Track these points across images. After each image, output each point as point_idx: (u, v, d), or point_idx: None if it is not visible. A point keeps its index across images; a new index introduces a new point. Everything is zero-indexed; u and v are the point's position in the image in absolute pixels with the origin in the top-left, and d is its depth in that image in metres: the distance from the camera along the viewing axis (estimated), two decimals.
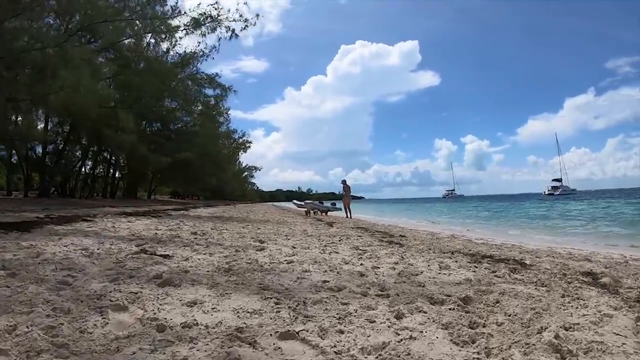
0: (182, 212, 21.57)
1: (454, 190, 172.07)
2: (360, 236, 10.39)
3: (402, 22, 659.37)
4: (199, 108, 39.93)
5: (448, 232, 14.91)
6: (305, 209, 24.97)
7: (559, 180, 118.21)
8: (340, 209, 26.14)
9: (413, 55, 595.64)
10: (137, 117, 41.28)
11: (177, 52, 32.81)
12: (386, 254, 7.00)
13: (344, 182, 26.86)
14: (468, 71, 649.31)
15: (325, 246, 7.93)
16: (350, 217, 24.46)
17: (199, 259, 5.77)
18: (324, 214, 24.49)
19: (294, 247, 7.53)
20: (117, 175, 48.70)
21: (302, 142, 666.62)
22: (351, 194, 26.92)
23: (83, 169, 42.90)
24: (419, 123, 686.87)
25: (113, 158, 44.06)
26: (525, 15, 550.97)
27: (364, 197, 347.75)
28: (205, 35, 26.54)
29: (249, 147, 73.69)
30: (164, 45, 35.03)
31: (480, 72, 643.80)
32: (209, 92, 38.46)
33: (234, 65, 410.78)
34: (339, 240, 9.20)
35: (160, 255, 5.85)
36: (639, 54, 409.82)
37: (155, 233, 8.97)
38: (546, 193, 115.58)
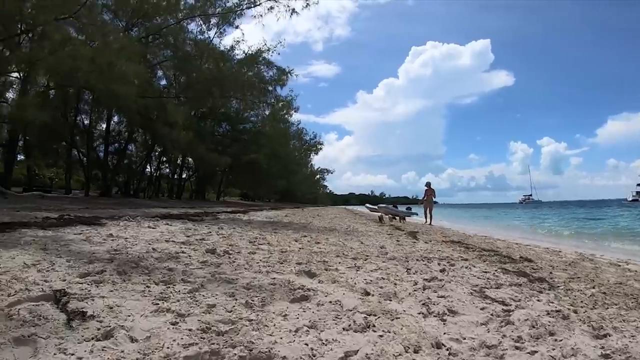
0: (236, 215, 18.67)
1: (531, 195, 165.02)
2: (465, 259, 6.73)
3: (473, 21, 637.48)
4: (267, 102, 38.69)
5: (569, 250, 10.86)
6: (379, 214, 21.51)
7: None
8: (417, 214, 22.78)
9: (485, 54, 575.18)
10: (201, 118, 41.58)
11: (242, 50, 31.83)
12: (547, 312, 3.50)
13: (428, 184, 23.93)
14: (543, 70, 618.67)
15: (423, 288, 4.35)
16: (431, 224, 21.58)
17: (124, 337, 2.48)
18: (402, 220, 20.99)
19: (367, 294, 3.95)
20: (183, 176, 46.92)
21: (375, 145, 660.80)
22: (432, 197, 23.56)
23: (149, 169, 41.58)
24: (493, 125, 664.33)
25: (179, 159, 42.56)
26: (600, 11, 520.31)
27: (437, 202, 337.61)
28: (262, 16, 24.63)
29: (321, 149, 71.85)
30: (228, 41, 33.96)
31: (556, 70, 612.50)
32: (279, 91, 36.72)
33: (305, 70, 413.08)
34: (442, 271, 5.49)
35: (74, 312, 2.70)
36: None
37: (154, 248, 5.79)
38: (630, 199, 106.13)
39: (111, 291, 3.41)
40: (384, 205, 41.04)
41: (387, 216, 22.19)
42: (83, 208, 14.92)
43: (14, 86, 22.95)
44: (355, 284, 4.34)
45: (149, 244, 6.32)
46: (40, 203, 15.60)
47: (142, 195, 38.81)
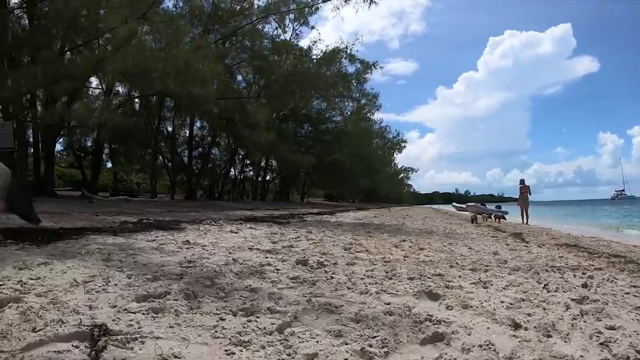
0: (323, 217, 17.82)
1: (623, 190, 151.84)
2: (599, 268, 5.41)
3: (551, 6, 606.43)
4: (352, 97, 38.32)
5: None
6: (471, 215, 19.91)
7: None
8: (507, 213, 21.19)
9: (567, 40, 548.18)
10: (282, 120, 41.78)
11: (320, 50, 30.93)
12: None
13: (522, 181, 22.21)
14: (629, 53, 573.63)
15: (581, 314, 3.16)
16: (527, 223, 19.89)
17: None
18: (497, 220, 19.36)
19: (517, 326, 2.82)
20: (267, 178, 46.99)
21: (458, 142, 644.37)
22: (527, 194, 21.76)
23: (233, 172, 41.97)
24: (580, 116, 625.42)
25: (262, 161, 42.62)
26: None
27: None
28: (338, 8, 23.52)
29: (404, 147, 70.21)
30: (305, 43, 33.50)
31: None
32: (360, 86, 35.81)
33: (383, 68, 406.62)
34: (585, 286, 4.21)
35: None
36: None
37: (235, 258, 4.88)
38: None
39: (171, 327, 2.48)
40: (472, 203, 38.90)
41: (480, 216, 20.65)
42: (165, 211, 14.74)
43: (100, 97, 23.55)
44: (494, 309, 3.20)
45: (230, 252, 5.45)
46: (124, 207, 15.48)
47: (227, 198, 39.09)
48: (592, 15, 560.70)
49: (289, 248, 6.33)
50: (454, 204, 44.97)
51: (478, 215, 20.22)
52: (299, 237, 8.09)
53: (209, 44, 21.33)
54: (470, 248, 7.25)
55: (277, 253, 5.69)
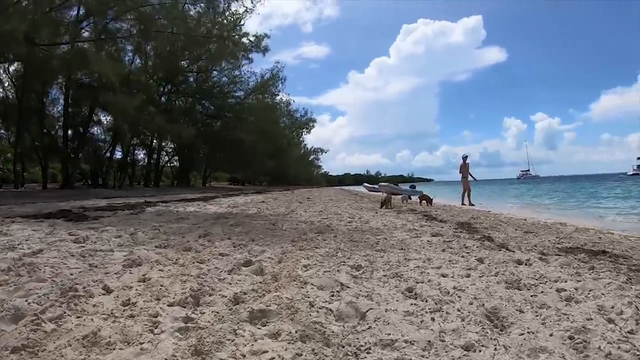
0: (188, 205, 13.31)
1: (528, 170, 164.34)
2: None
3: None
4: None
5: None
6: (384, 196, 15.22)
7: None
8: (422, 193, 18.94)
9: (477, 31, 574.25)
10: (174, 93, 37.72)
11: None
12: None
13: (465, 157, 19.16)
14: (536, 45, 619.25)
15: None
16: (472, 204, 17.48)
17: None
18: (424, 202, 15.70)
19: None
20: (161, 161, 41.45)
21: (369, 125, 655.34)
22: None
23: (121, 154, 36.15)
24: (487, 102, 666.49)
25: (154, 142, 37.39)
26: None
27: (432, 180, 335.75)
28: None
29: (313, 126, 67.52)
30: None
31: (549, 45, 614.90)
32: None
33: (295, 52, 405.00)
34: None
35: None
36: None
37: None
38: (630, 173, 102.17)
39: None
40: (385, 183, 36.19)
41: (399, 198, 17.31)
42: None
43: None
44: None
45: None
46: None
47: (113, 185, 33.48)
48: (503, 8, 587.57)
49: None
50: (365, 184, 42.41)
51: (395, 197, 16.89)
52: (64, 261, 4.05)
53: None
54: (414, 283, 3.62)
55: None
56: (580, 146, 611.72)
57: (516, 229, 7.29)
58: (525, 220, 9.61)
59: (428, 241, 5.47)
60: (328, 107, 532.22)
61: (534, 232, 6.82)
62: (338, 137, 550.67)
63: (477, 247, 5.05)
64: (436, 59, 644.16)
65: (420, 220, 8.84)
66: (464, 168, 18.59)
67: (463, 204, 17.50)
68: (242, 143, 38.38)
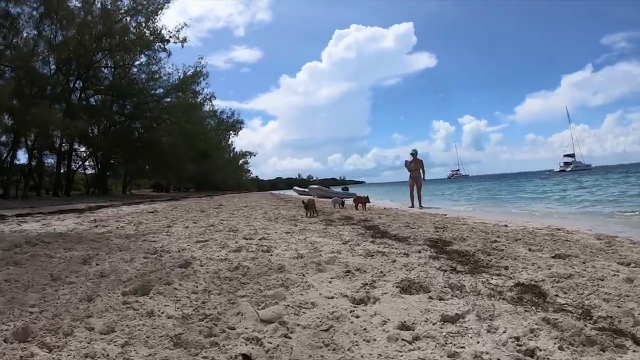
0: (61, 216, 10.68)
1: (458, 170, 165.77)
2: None
3: (396, 4, 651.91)
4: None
5: None
6: (305, 200, 12.12)
7: (572, 155, 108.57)
8: (355, 195, 18.04)
9: (408, 37, 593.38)
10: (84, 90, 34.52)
11: None
12: None
13: (414, 153, 17.13)
14: (464, 51, 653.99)
15: None
16: (421, 206, 15.81)
17: None
18: (360, 205, 13.90)
19: None
20: (72, 167, 37.54)
21: (300, 129, 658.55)
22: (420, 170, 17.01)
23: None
24: (417, 105, 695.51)
25: (63, 145, 33.68)
26: None
27: (364, 182, 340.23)
28: None
29: (241, 128, 65.50)
30: None
31: (476, 52, 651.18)
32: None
33: (226, 55, 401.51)
34: None
35: None
36: (634, 28, 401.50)
37: None
38: (557, 170, 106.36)
39: None
40: (316, 186, 34.86)
41: (329, 201, 15.42)
42: None
43: None
44: None
45: None
46: None
47: (15, 195, 29.57)
48: (433, 15, 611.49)
49: None
50: (296, 187, 40.98)
51: (324, 199, 15.08)
52: None
53: None
54: None
55: None
56: (506, 146, 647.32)
57: (532, 249, 4.82)
58: (506, 226, 7.53)
59: (403, 309, 2.66)
60: (259, 111, 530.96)
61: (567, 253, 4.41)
62: (269, 141, 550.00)
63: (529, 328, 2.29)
64: (367, 64, 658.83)
65: (364, 238, 5.93)
66: (417, 164, 16.81)
67: (412, 205, 16.04)
68: (161, 145, 35.73)
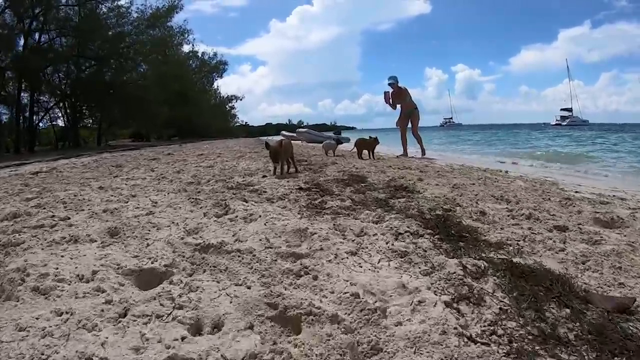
0: None
1: (451, 118, 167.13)
2: None
3: None
4: None
5: None
6: (272, 145, 7.93)
7: (569, 109, 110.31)
8: (349, 140, 16.47)
9: None
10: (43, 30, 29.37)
11: None
12: None
13: (392, 82, 12.99)
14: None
15: None
16: (423, 154, 12.70)
17: None
18: (366, 152, 10.09)
19: None
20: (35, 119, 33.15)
21: (290, 74, 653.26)
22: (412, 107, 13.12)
23: None
24: (409, 52, 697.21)
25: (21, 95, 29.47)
26: None
27: (355, 128, 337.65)
28: None
29: (225, 69, 61.22)
30: None
31: (473, 0, 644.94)
32: None
33: (213, 0, 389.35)
34: None
35: None
36: None
37: None
38: (553, 123, 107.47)
39: None
40: (304, 129, 31.39)
41: (327, 148, 11.31)
42: None
43: None
44: None
45: None
46: None
47: None
48: None
49: None
50: (283, 132, 38.29)
51: (328, 150, 11.27)
52: None
53: None
54: None
55: None
56: (499, 97, 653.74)
57: None
58: None
59: None
60: (249, 57, 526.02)
61: None
62: (259, 87, 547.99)
63: None
64: (360, 8, 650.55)
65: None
66: (401, 95, 12.86)
67: (404, 154, 12.57)
68: (127, 88, 32.45)
